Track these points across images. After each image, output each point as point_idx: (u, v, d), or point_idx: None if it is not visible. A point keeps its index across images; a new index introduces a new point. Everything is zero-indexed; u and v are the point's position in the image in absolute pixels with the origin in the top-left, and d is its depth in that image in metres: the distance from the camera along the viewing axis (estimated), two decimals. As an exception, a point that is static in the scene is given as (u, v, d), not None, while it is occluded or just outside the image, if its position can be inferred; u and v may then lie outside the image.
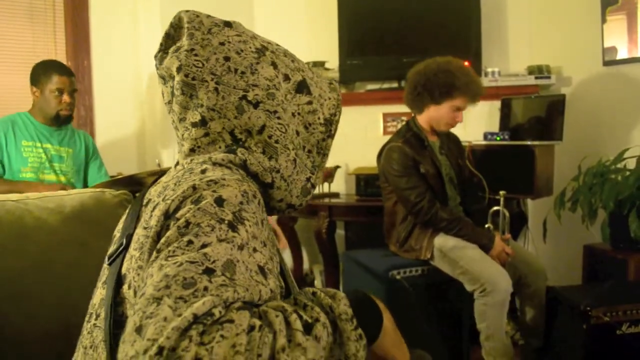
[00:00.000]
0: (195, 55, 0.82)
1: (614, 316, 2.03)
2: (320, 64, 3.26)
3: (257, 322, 0.57)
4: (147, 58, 3.25)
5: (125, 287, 0.74)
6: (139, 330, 0.55)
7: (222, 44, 0.84)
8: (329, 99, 0.93)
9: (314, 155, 0.91)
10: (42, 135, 2.55)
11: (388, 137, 2.53)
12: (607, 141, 2.91)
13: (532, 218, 3.11)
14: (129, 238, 0.78)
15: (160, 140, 3.43)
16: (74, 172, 2.63)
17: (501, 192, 2.39)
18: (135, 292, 0.72)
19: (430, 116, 2.42)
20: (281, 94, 0.86)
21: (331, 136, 0.93)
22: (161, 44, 0.88)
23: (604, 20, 2.89)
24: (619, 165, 2.51)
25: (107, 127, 3.34)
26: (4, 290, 1.01)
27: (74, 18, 3.24)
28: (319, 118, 0.91)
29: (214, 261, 0.61)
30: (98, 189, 1.28)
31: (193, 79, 0.81)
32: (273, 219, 1.00)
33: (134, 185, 1.37)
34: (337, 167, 3.19)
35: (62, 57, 3.18)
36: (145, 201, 0.82)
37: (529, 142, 2.75)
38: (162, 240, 0.66)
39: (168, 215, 0.69)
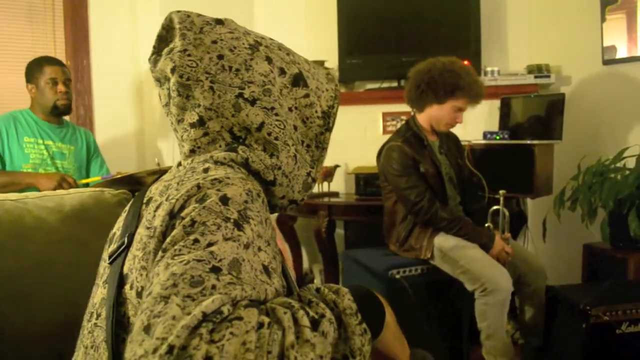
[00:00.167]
0: (189, 55, 0.82)
1: (614, 315, 2.04)
2: (319, 63, 3.26)
3: (266, 320, 0.56)
4: (146, 57, 3.26)
5: (127, 287, 0.74)
6: (147, 329, 0.54)
7: (214, 42, 0.83)
8: (326, 90, 0.93)
9: (312, 149, 0.91)
10: (44, 132, 2.55)
11: (387, 137, 2.53)
12: (607, 140, 2.91)
13: (532, 217, 3.11)
14: (131, 237, 0.78)
15: (159, 139, 3.42)
16: (75, 169, 2.64)
17: (501, 192, 2.39)
18: (137, 293, 0.72)
19: (432, 115, 2.42)
20: (277, 89, 0.85)
21: (329, 129, 0.92)
22: (154, 47, 0.88)
23: (603, 20, 2.89)
24: (618, 165, 2.51)
25: (106, 126, 3.34)
26: (4, 289, 1.01)
27: (73, 17, 3.24)
28: (316, 111, 0.90)
29: (220, 260, 0.61)
30: (97, 189, 1.28)
31: (188, 79, 0.81)
32: (281, 238, 0.99)
33: (134, 185, 1.38)
34: (337, 166, 3.18)
35: (61, 57, 3.18)
36: (146, 199, 0.82)
37: (528, 142, 2.75)
38: (168, 239, 0.66)
39: (173, 215, 0.69)
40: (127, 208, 0.88)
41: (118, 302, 0.74)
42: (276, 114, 0.84)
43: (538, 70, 3.13)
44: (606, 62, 2.90)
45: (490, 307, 2.15)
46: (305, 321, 0.59)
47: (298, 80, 0.89)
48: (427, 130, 2.45)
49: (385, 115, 3.39)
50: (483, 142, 2.90)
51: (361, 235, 3.34)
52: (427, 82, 2.36)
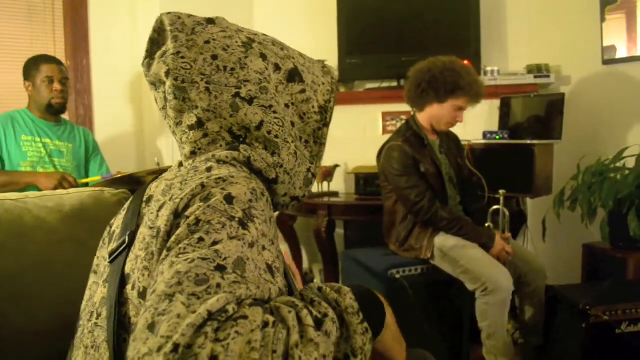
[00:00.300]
0: (182, 57, 0.81)
1: (613, 315, 2.04)
2: (321, 62, 3.25)
3: (271, 319, 0.56)
4: (146, 57, 3.26)
5: (129, 287, 0.73)
6: (151, 327, 0.54)
7: (207, 42, 0.83)
8: (323, 84, 0.92)
9: (311, 145, 0.91)
10: (41, 130, 2.55)
11: (387, 136, 2.53)
12: (607, 140, 2.91)
13: (532, 217, 3.11)
14: (131, 235, 0.77)
15: (159, 139, 3.42)
16: (74, 167, 2.64)
17: (501, 191, 2.39)
18: (139, 293, 0.71)
19: (432, 114, 2.42)
20: (273, 86, 0.85)
21: (326, 125, 0.92)
22: (147, 51, 0.87)
23: (603, 19, 2.89)
24: (618, 164, 2.51)
25: (106, 126, 3.34)
26: (4, 289, 1.01)
27: (73, 17, 3.24)
28: (313, 107, 0.90)
29: (225, 258, 0.61)
30: (97, 188, 1.28)
31: (183, 81, 0.80)
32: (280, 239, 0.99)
33: (133, 184, 1.38)
34: (337, 166, 3.18)
35: (61, 56, 3.18)
36: (145, 197, 0.82)
37: (528, 141, 2.76)
38: (172, 238, 0.66)
39: (177, 214, 0.69)
40: (126, 206, 0.88)
41: (119, 302, 0.73)
42: (274, 112, 0.83)
43: (538, 70, 3.13)
44: (606, 62, 2.90)
45: (490, 307, 2.15)
46: (309, 320, 0.59)
47: (293, 76, 0.88)
48: (427, 130, 2.45)
49: (385, 115, 3.39)
50: (483, 141, 2.90)
51: (361, 235, 3.34)
52: (427, 81, 2.36)
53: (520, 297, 2.42)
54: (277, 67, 0.87)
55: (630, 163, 2.48)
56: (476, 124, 3.11)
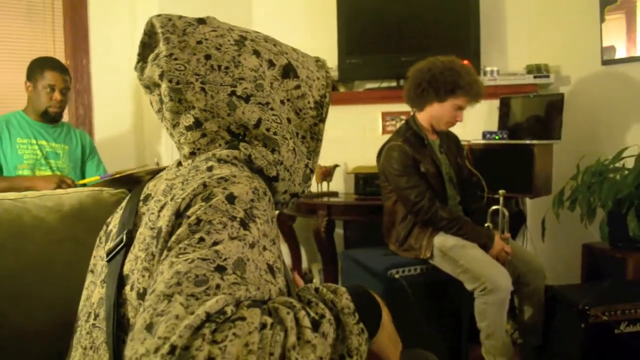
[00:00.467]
0: (175, 59, 0.80)
1: (612, 315, 2.04)
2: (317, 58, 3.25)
3: (269, 320, 0.56)
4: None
5: (127, 288, 0.73)
6: (149, 327, 0.54)
7: (199, 42, 0.82)
8: (317, 79, 0.92)
9: (308, 140, 0.91)
10: (37, 132, 2.55)
11: (387, 137, 2.53)
12: (606, 140, 2.91)
13: (531, 217, 3.11)
14: (129, 234, 0.77)
15: (158, 139, 3.42)
16: (70, 169, 2.64)
17: (500, 191, 2.39)
18: (138, 294, 0.71)
19: (432, 114, 2.42)
20: (268, 83, 0.85)
21: (322, 120, 0.92)
22: (139, 54, 0.87)
23: (602, 20, 2.89)
24: (617, 164, 2.52)
25: (105, 126, 3.34)
26: (4, 289, 1.01)
27: (72, 17, 3.24)
28: (308, 102, 0.90)
29: (225, 259, 0.61)
30: (96, 188, 1.28)
31: (178, 83, 0.80)
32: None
33: (133, 184, 1.37)
34: (336, 166, 3.19)
35: (60, 56, 3.18)
36: (143, 196, 0.81)
37: (527, 141, 2.76)
38: (173, 237, 0.65)
39: (179, 214, 0.68)
40: (122, 205, 0.87)
41: (118, 303, 0.73)
42: (271, 109, 0.83)
43: (537, 70, 3.14)
44: (605, 62, 2.90)
45: (489, 307, 2.15)
46: (306, 322, 0.59)
47: (288, 72, 0.88)
48: (427, 130, 2.45)
49: (384, 115, 3.39)
50: (482, 142, 2.90)
51: (360, 235, 3.34)
52: (427, 81, 2.36)
53: (520, 297, 2.41)
54: (271, 64, 0.87)
55: (630, 163, 2.48)
56: (475, 124, 3.11)
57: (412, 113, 2.53)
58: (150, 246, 0.71)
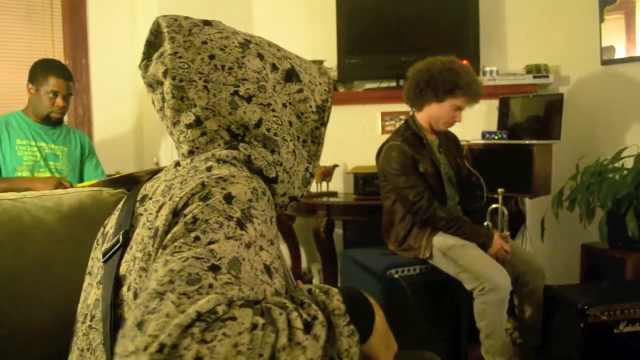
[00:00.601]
0: (180, 57, 0.81)
1: (612, 315, 2.04)
2: (318, 63, 3.26)
3: (260, 320, 0.56)
4: (145, 57, 3.29)
5: (124, 288, 0.73)
6: (140, 325, 0.54)
7: (204, 42, 0.83)
8: (320, 84, 0.92)
9: (309, 144, 0.91)
10: (36, 134, 2.55)
11: (386, 136, 2.54)
12: (605, 140, 2.91)
13: (530, 217, 3.12)
14: (125, 235, 0.77)
15: (158, 138, 3.42)
16: (69, 170, 2.63)
17: (499, 190, 2.39)
18: (135, 295, 0.71)
19: (431, 114, 2.42)
20: (270, 85, 0.85)
21: (324, 124, 0.92)
22: (144, 53, 0.87)
23: (602, 20, 2.90)
24: (616, 164, 2.52)
25: (104, 126, 3.34)
26: (4, 289, 1.00)
27: (71, 16, 3.24)
28: (310, 106, 0.90)
29: (220, 258, 0.60)
30: (96, 188, 1.28)
31: (181, 80, 0.80)
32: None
33: (132, 184, 1.37)
34: (336, 166, 3.19)
35: (59, 56, 3.18)
36: (139, 197, 0.81)
37: (527, 141, 2.76)
38: (169, 236, 0.65)
39: (176, 213, 0.68)
40: (119, 206, 0.87)
41: (115, 304, 0.73)
42: (273, 110, 0.83)
43: (537, 70, 3.14)
44: (604, 62, 2.91)
45: (489, 306, 2.15)
46: (298, 323, 0.59)
47: (291, 76, 0.88)
48: (426, 130, 2.45)
49: (384, 115, 3.39)
50: (482, 142, 2.90)
51: (360, 234, 3.34)
52: (426, 81, 2.36)
53: (519, 297, 2.42)
54: (275, 67, 0.87)
55: (629, 163, 2.48)
56: (475, 124, 3.12)
57: (411, 113, 2.53)
58: (147, 246, 0.71)
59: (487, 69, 3.20)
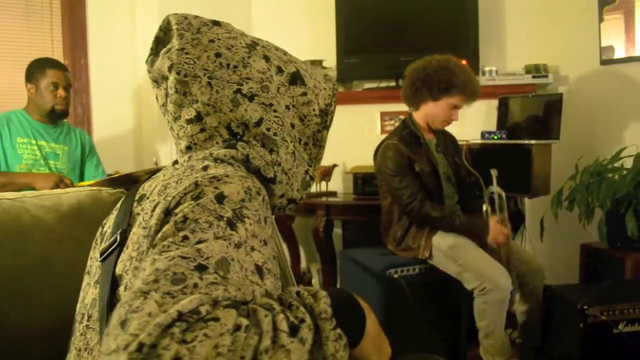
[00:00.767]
0: (187, 53, 0.82)
1: (611, 315, 2.04)
2: (317, 63, 3.26)
3: (244, 322, 0.55)
4: (144, 56, 3.27)
5: (121, 288, 0.73)
6: (123, 324, 0.53)
7: (212, 41, 0.84)
8: (324, 89, 0.92)
9: (310, 147, 0.91)
10: (37, 132, 2.55)
11: (385, 136, 2.53)
12: (604, 140, 2.91)
13: (530, 217, 3.12)
14: (122, 234, 0.77)
15: (157, 138, 3.42)
16: (69, 169, 2.63)
17: (492, 171, 2.37)
18: None
19: (427, 113, 2.42)
20: (274, 87, 0.85)
21: (326, 127, 0.92)
22: (152, 48, 0.88)
23: (601, 20, 2.90)
24: (616, 164, 2.52)
25: (104, 125, 3.34)
26: (3, 289, 1.00)
27: (71, 16, 3.23)
28: (314, 109, 0.90)
29: (207, 258, 0.60)
30: (95, 188, 1.28)
31: (185, 75, 0.81)
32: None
33: (131, 184, 1.37)
34: (335, 165, 3.19)
35: (59, 55, 3.17)
36: (137, 196, 0.81)
37: (526, 141, 2.76)
38: (159, 235, 0.65)
39: (168, 212, 0.68)
40: (118, 205, 0.87)
41: (111, 304, 0.72)
42: (274, 110, 0.84)
43: (536, 70, 3.14)
44: (604, 62, 2.91)
45: (489, 306, 2.15)
46: (283, 326, 0.58)
47: (295, 79, 0.89)
48: (423, 129, 2.45)
49: (383, 114, 3.39)
50: (481, 141, 2.90)
51: (359, 234, 3.34)
52: (422, 79, 2.37)
53: (518, 297, 2.42)
54: (280, 70, 0.88)
55: (628, 163, 2.49)
56: (474, 123, 3.12)
57: (409, 112, 2.53)
58: (142, 246, 0.71)
59: (487, 68, 3.20)
